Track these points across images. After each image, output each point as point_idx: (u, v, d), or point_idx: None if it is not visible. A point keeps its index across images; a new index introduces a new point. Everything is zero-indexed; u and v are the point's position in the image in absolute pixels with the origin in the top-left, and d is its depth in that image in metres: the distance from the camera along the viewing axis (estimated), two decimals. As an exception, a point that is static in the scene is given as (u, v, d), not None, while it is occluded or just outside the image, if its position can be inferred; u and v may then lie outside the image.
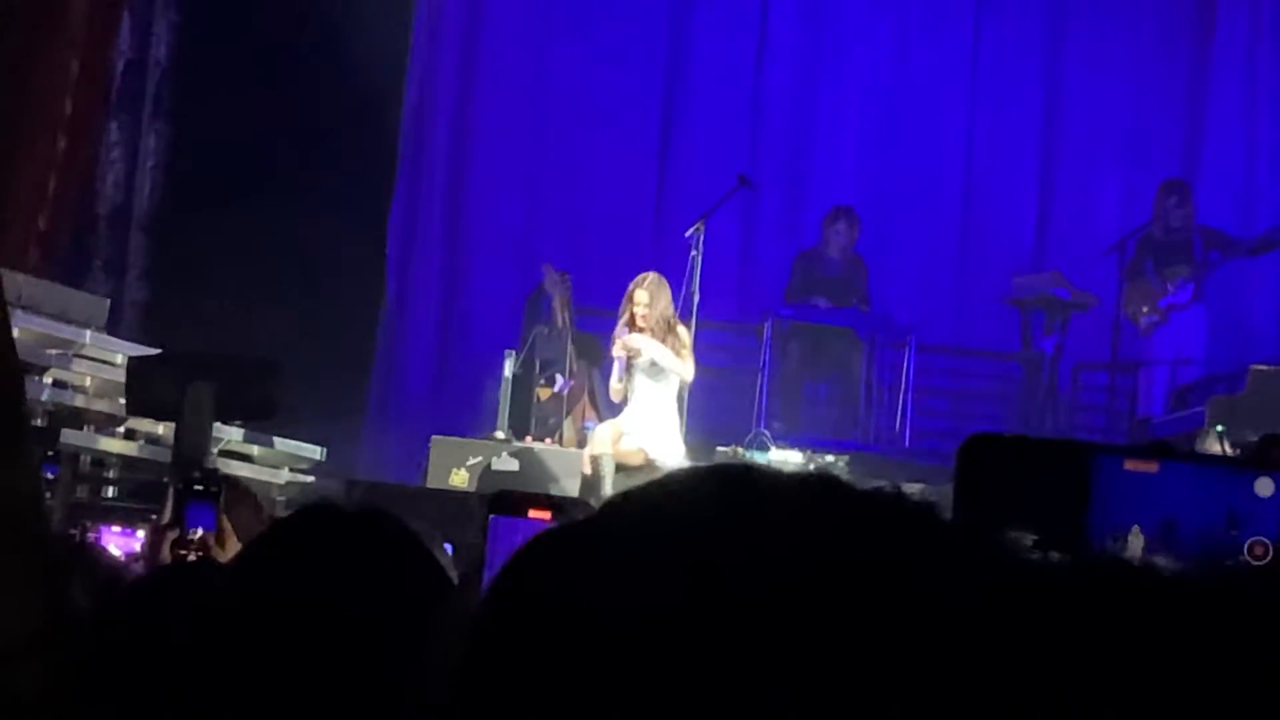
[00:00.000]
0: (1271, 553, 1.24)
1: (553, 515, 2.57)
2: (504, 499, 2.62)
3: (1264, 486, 1.26)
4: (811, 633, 1.07)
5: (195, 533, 5.23)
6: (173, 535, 5.42)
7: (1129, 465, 1.27)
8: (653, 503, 1.16)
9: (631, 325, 11.55)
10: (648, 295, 11.51)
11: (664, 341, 11.54)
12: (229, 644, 2.43)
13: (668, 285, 11.68)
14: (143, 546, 6.27)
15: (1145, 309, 13.11)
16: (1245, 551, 1.25)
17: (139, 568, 5.41)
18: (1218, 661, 1.04)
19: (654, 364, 11.53)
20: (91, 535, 7.04)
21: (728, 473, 1.17)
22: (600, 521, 1.17)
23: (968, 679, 1.07)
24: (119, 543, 6.79)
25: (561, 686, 1.09)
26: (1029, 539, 1.22)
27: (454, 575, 2.87)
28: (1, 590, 1.70)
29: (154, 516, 7.87)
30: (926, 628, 1.08)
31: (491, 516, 2.57)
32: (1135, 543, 1.25)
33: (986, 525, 1.27)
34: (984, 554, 1.13)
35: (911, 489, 1.15)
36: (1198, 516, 1.25)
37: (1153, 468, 1.27)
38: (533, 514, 2.58)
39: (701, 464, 1.21)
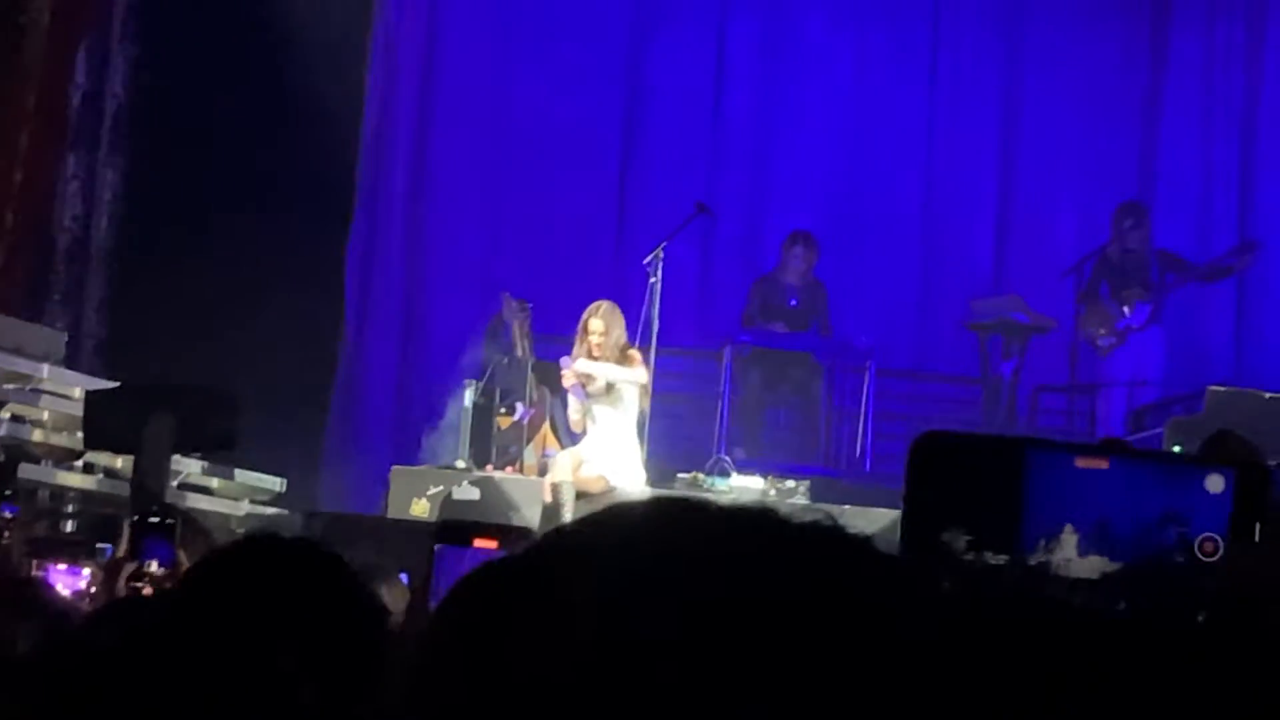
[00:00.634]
0: (1221, 549, 1.25)
1: (499, 544, 2.59)
2: (450, 528, 2.64)
3: (1215, 483, 1.27)
4: (729, 670, 1.07)
5: (150, 566, 5.21)
6: (129, 569, 5.40)
7: (1080, 463, 1.28)
8: (586, 541, 1.17)
9: (588, 354, 11.55)
10: (603, 324, 11.52)
11: (619, 363, 11.54)
12: (157, 676, 2.44)
13: (620, 313, 11.69)
14: (90, 583, 6.24)
15: (1102, 331, 13.15)
16: (1196, 548, 1.26)
17: (86, 605, 5.39)
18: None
19: (611, 389, 11.53)
20: (39, 573, 6.99)
21: (663, 508, 1.18)
22: (535, 558, 1.18)
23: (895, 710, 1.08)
24: (65, 581, 6.75)
25: None
26: (963, 540, 1.24)
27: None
28: None
29: (102, 548, 7.84)
30: (854, 659, 1.09)
31: (438, 546, 2.58)
32: (1069, 542, 1.25)
33: (921, 553, 1.28)
34: (915, 585, 1.14)
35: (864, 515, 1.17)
36: (1138, 515, 1.26)
37: (1103, 464, 1.27)
38: (478, 543, 2.59)
39: (647, 496, 1.22)
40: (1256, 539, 1.25)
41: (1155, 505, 1.26)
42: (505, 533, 2.64)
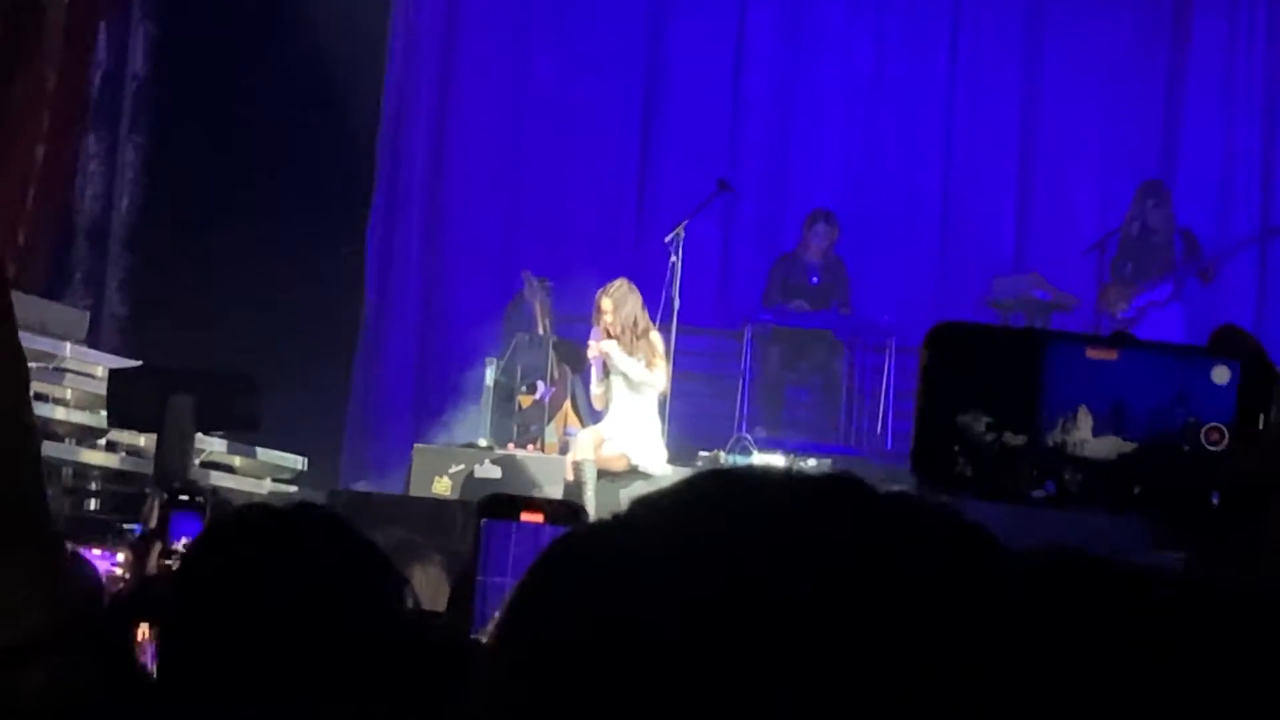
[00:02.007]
0: (1227, 438, 1.28)
1: (545, 517, 2.58)
2: (496, 502, 2.62)
3: (1220, 374, 1.31)
4: (851, 632, 1.07)
5: (179, 543, 5.23)
6: (158, 547, 5.42)
7: (1090, 353, 1.31)
8: (682, 506, 1.16)
9: (605, 334, 11.59)
10: (611, 302, 11.55)
11: (633, 348, 11.56)
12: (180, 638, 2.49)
13: (636, 291, 11.70)
14: (125, 559, 6.25)
15: (1122, 305, 13.13)
16: (1202, 437, 1.29)
17: (119, 588, 5.41)
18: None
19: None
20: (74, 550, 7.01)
21: (752, 476, 1.17)
22: (630, 526, 1.17)
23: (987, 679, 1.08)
24: (99, 566, 6.78)
25: (606, 698, 1.09)
26: (983, 422, 1.27)
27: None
28: (8, 586, 1.69)
29: (130, 529, 7.86)
30: (957, 631, 1.09)
31: (484, 520, 2.57)
32: (1084, 423, 1.29)
33: (939, 432, 1.30)
34: (990, 555, 1.15)
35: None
36: (1150, 399, 1.30)
37: (1112, 355, 1.31)
38: (525, 517, 2.58)
39: (710, 469, 1.21)
40: (1261, 429, 1.28)
41: (1167, 388, 1.29)
42: (552, 506, 2.62)
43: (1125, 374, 1.30)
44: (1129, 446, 1.29)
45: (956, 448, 1.31)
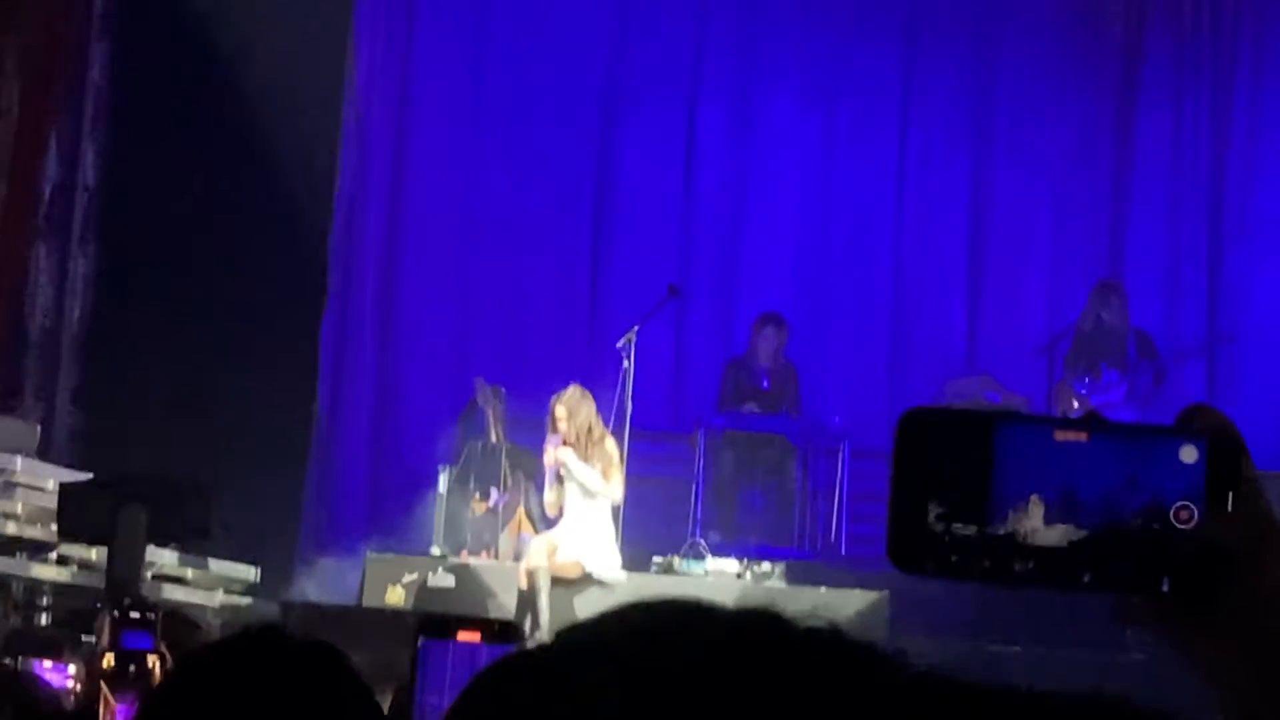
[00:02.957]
0: (1196, 517, 1.30)
1: (481, 636, 2.59)
2: (432, 621, 2.64)
3: (1188, 453, 1.32)
4: None
5: (129, 661, 5.19)
6: (108, 659, 5.38)
7: (1059, 435, 1.32)
8: (603, 638, 1.18)
9: (562, 441, 11.60)
10: (565, 409, 11.60)
11: (588, 455, 11.58)
12: None
13: (590, 397, 11.74)
14: (78, 671, 6.22)
15: (1075, 405, 13.19)
16: (1171, 516, 1.30)
17: (71, 700, 5.38)
18: None
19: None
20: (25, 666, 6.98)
21: (676, 611, 1.19)
22: (553, 656, 1.19)
23: None
24: (52, 678, 6.74)
25: None
26: (935, 512, 1.28)
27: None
28: None
29: (88, 641, 7.82)
30: None
31: (421, 640, 2.58)
32: (1035, 511, 1.30)
33: (903, 525, 1.31)
34: (912, 692, 1.17)
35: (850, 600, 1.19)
36: (1109, 481, 1.30)
37: (1082, 436, 1.31)
38: (461, 635, 2.60)
39: (645, 596, 1.23)
40: (1230, 508, 1.30)
41: (1120, 472, 1.30)
42: (488, 625, 2.63)
43: (1082, 457, 1.31)
44: (1081, 534, 1.30)
45: (923, 536, 1.32)
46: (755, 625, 1.19)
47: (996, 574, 1.29)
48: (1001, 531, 1.29)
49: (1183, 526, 1.30)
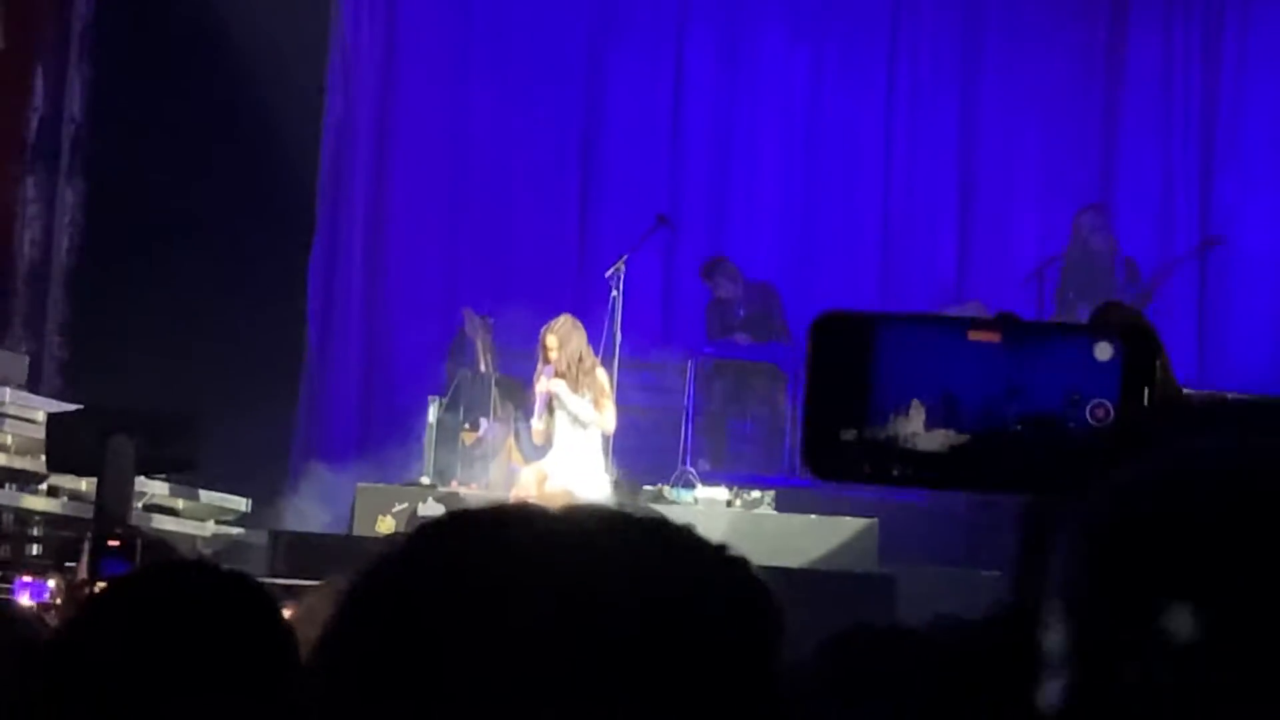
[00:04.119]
0: (1112, 414, 1.29)
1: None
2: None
3: (1103, 350, 1.31)
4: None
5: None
6: (89, 591, 5.41)
7: (972, 335, 1.31)
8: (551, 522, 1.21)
9: (554, 372, 11.60)
10: (556, 339, 11.57)
11: (579, 385, 11.57)
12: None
13: (581, 327, 11.72)
14: (54, 594, 6.25)
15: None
16: (1088, 414, 1.29)
17: (52, 618, 5.40)
18: None
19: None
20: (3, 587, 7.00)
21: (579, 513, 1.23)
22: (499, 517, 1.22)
23: None
24: (31, 591, 6.78)
25: (430, 660, 1.14)
26: (828, 415, 1.28)
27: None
28: None
29: (67, 565, 7.84)
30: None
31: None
32: (916, 416, 1.29)
33: (808, 431, 1.31)
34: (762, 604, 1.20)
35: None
36: (990, 388, 1.30)
37: (995, 337, 1.31)
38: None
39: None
40: (1145, 403, 1.29)
41: (1004, 376, 1.30)
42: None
43: (966, 360, 1.31)
44: (961, 439, 1.29)
45: (825, 441, 1.32)
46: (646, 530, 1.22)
47: (876, 477, 1.29)
48: (881, 436, 1.29)
49: (1099, 424, 1.29)
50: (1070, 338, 1.33)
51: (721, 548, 1.25)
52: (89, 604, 2.80)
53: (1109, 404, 1.30)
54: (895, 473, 1.29)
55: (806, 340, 1.35)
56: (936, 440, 1.29)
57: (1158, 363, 1.31)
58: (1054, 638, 0.98)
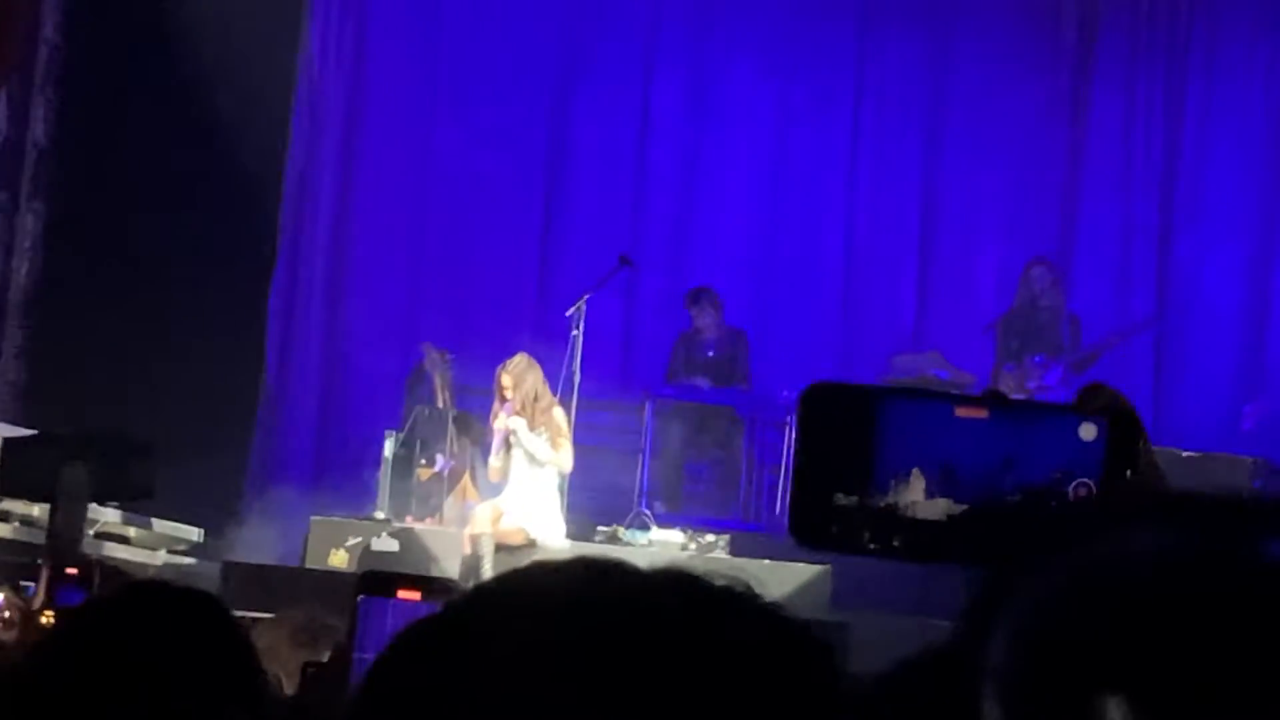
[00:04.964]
0: (1094, 493, 1.30)
1: (423, 595, 2.58)
2: (373, 579, 2.63)
3: (1088, 431, 1.32)
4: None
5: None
6: (45, 618, 5.37)
7: (960, 412, 1.32)
8: (504, 601, 1.19)
9: (513, 410, 11.60)
10: (511, 379, 11.59)
11: (535, 423, 11.58)
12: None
13: (537, 366, 11.73)
14: (6, 599, 6.20)
15: (1015, 388, 13.17)
16: (1070, 493, 1.30)
17: (3, 632, 5.37)
18: None
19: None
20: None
21: (582, 568, 1.20)
22: (457, 617, 1.20)
23: None
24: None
25: None
26: (827, 483, 1.28)
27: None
28: None
29: (25, 586, 7.79)
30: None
31: (361, 597, 2.57)
32: (916, 485, 1.29)
33: (800, 500, 1.30)
34: (820, 659, 1.18)
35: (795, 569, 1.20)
36: (988, 459, 1.30)
37: (982, 414, 1.31)
38: (402, 594, 2.58)
39: (568, 552, 1.25)
40: (1125, 484, 1.30)
41: (998, 450, 1.30)
42: (428, 584, 2.62)
43: (975, 435, 1.31)
44: (960, 508, 1.30)
45: (817, 509, 1.32)
46: (663, 580, 1.20)
47: (878, 547, 1.29)
48: (882, 504, 1.29)
49: (1079, 502, 1.30)
50: (1056, 417, 1.33)
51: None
52: (60, 626, 2.80)
53: (1090, 483, 1.31)
54: (897, 542, 1.30)
55: (797, 409, 1.35)
56: (937, 509, 1.29)
57: (1140, 446, 1.32)
58: (991, 712, 0.98)
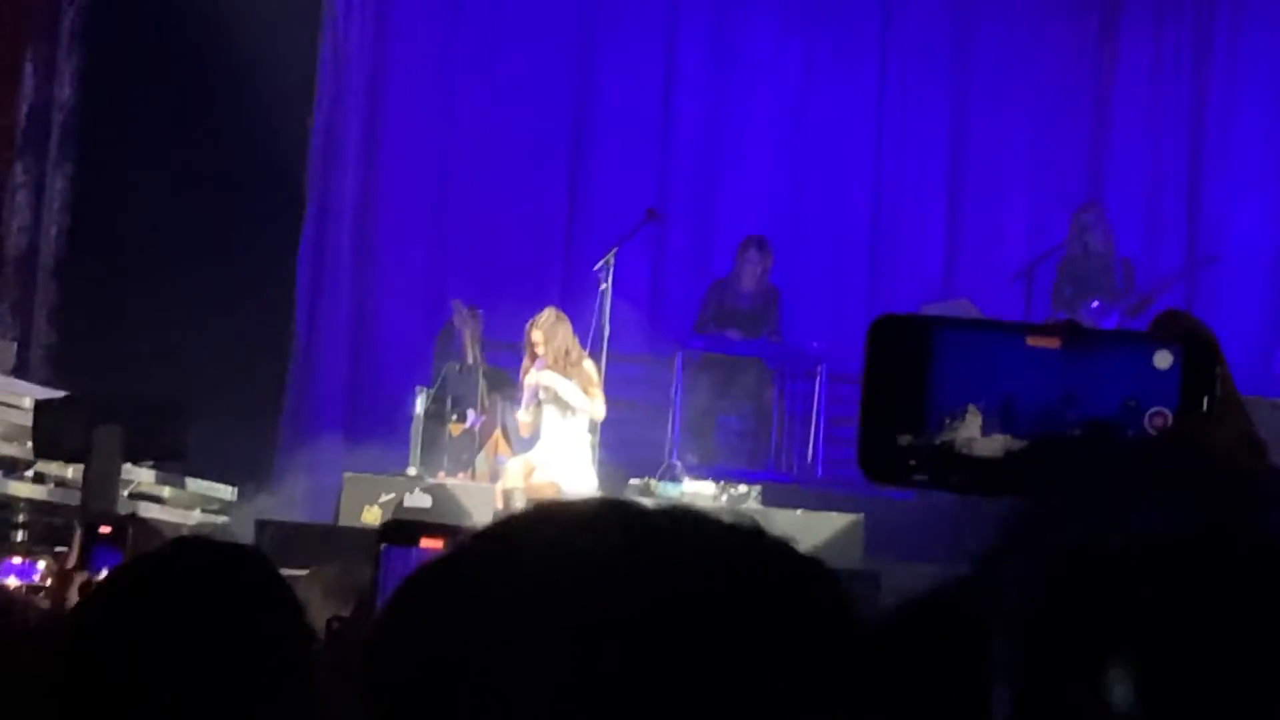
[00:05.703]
0: (1171, 421, 1.28)
1: (445, 543, 2.58)
2: (396, 528, 2.63)
3: (1163, 359, 1.30)
4: (634, 665, 1.11)
5: (100, 575, 5.21)
6: (80, 579, 5.40)
7: (1031, 341, 1.30)
8: (513, 543, 1.20)
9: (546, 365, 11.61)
10: (541, 334, 11.60)
11: (567, 376, 11.58)
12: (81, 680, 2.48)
13: (566, 320, 11.73)
14: (44, 576, 6.23)
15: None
16: (1146, 422, 1.28)
17: (42, 600, 5.39)
18: None
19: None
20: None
21: (591, 508, 1.21)
22: (465, 561, 1.21)
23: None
24: (18, 573, 6.77)
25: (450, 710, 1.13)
26: (886, 418, 1.27)
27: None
28: None
29: (57, 549, 7.83)
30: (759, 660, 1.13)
31: (383, 546, 2.58)
32: (973, 421, 1.28)
33: (870, 435, 1.31)
34: (828, 592, 1.19)
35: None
36: (1047, 394, 1.29)
37: (1055, 343, 1.30)
38: (425, 543, 2.58)
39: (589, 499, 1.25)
40: (1204, 411, 1.28)
41: (1065, 383, 1.29)
42: (452, 533, 2.62)
43: (1023, 367, 1.30)
44: (1019, 444, 1.28)
45: (882, 445, 1.31)
46: (670, 518, 1.21)
47: (941, 483, 1.29)
48: (938, 441, 1.28)
49: (1156, 432, 1.29)
50: (1130, 345, 1.32)
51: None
52: (105, 586, 2.80)
53: (1168, 412, 1.29)
54: (952, 479, 1.29)
55: (864, 343, 1.35)
56: (994, 445, 1.28)
57: (1218, 371, 1.31)
58: (1005, 649, 0.99)
